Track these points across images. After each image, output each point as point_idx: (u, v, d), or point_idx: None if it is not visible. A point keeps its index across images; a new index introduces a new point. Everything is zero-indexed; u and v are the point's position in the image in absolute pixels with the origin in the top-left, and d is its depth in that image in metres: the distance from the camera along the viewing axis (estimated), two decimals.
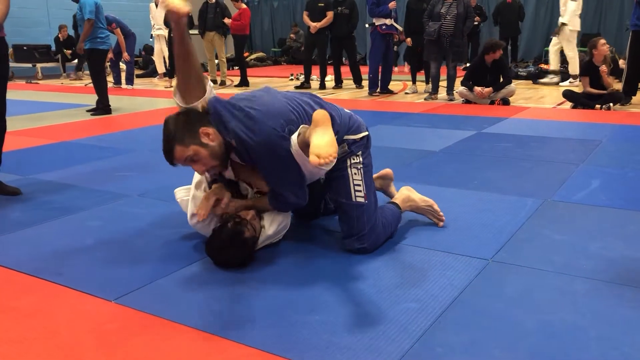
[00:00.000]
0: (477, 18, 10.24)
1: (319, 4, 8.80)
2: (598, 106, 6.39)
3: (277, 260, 2.35)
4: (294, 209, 2.58)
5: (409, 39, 8.36)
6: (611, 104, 6.38)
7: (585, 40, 11.79)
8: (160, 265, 2.32)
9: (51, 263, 2.37)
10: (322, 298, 2.00)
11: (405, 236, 2.59)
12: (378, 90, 8.31)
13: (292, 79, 10.94)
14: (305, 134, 2.09)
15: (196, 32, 9.95)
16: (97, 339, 1.77)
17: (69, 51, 12.36)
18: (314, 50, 9.23)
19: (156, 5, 10.36)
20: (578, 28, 8.97)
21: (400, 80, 9.60)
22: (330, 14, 8.73)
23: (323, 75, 9.31)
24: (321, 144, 1.96)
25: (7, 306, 2.00)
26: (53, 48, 12.50)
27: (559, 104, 7.03)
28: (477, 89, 6.87)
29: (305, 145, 2.09)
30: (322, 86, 9.25)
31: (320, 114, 2.06)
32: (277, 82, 10.67)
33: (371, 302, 1.97)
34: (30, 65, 12.09)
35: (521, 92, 8.26)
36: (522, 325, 1.80)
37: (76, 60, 12.50)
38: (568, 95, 6.76)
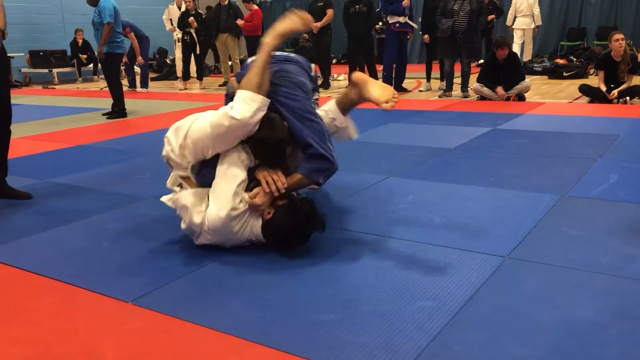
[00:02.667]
0: (491, 15, 10.14)
1: (318, 4, 8.84)
2: (616, 100, 6.31)
3: (292, 261, 2.35)
4: (328, 176, 2.56)
5: (426, 36, 8.30)
6: (628, 98, 6.30)
7: (601, 33, 11.69)
8: (176, 267, 2.33)
9: (69, 265, 2.39)
10: (337, 297, 2.00)
11: (421, 234, 2.58)
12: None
13: None
14: (352, 94, 2.77)
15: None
16: (116, 340, 1.78)
17: (85, 56, 12.48)
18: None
19: (179, 8, 10.34)
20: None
21: (414, 78, 9.56)
22: (330, 12, 8.76)
23: (327, 74, 9.30)
24: (380, 92, 2.60)
25: (26, 308, 2.02)
26: (69, 53, 12.62)
27: (575, 99, 6.96)
28: (500, 89, 6.82)
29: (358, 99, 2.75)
30: (326, 85, 9.24)
31: (357, 76, 2.69)
32: None
33: (387, 300, 1.96)
34: (46, 70, 12.22)
35: (536, 87, 8.19)
36: (541, 323, 1.78)
37: (91, 65, 12.62)
38: (585, 89, 6.69)
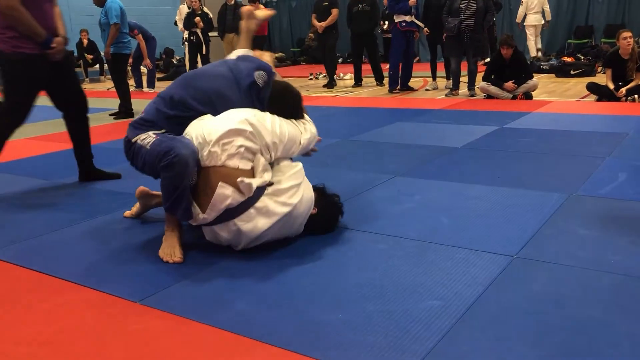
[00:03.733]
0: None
1: (324, 4, 8.85)
2: (624, 98, 6.27)
3: (299, 260, 2.35)
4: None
5: (426, 29, 8.23)
6: (636, 96, 6.26)
7: (609, 30, 11.62)
8: (184, 267, 2.33)
9: (77, 265, 2.41)
10: (344, 297, 2.00)
11: (428, 233, 2.57)
12: (398, 87, 8.27)
13: (311, 79, 10.95)
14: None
15: (216, 34, 10.02)
16: (124, 340, 1.79)
17: (91, 56, 12.52)
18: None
19: (188, 8, 10.35)
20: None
21: (420, 77, 9.54)
22: (334, 11, 8.76)
23: (332, 73, 9.31)
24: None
25: (36, 308, 2.04)
26: (75, 54, 12.67)
27: (582, 97, 6.92)
28: (509, 83, 6.80)
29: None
30: (332, 85, 9.24)
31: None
32: (297, 82, 10.69)
33: (394, 300, 1.96)
34: None
35: (544, 85, 8.16)
36: (549, 322, 1.77)
37: (98, 65, 12.66)
38: (592, 88, 6.65)
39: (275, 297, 2.03)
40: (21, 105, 3.36)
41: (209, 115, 2.54)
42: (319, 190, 2.63)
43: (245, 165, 2.37)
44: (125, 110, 6.88)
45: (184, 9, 10.70)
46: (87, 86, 11.80)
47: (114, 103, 7.20)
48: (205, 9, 10.23)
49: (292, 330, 1.79)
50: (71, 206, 3.26)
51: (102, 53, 7.28)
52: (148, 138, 2.50)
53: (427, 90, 8.39)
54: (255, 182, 2.33)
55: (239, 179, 2.29)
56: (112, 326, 1.88)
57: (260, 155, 2.43)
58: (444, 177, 3.51)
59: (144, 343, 1.77)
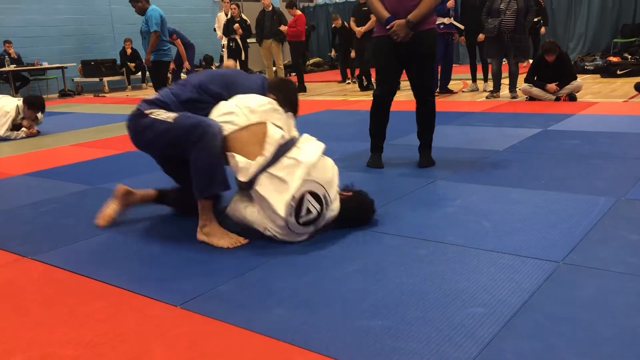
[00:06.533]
0: (537, 17, 9.88)
1: (363, 8, 8.81)
2: None
3: (338, 265, 2.33)
4: None
5: (462, 37, 8.16)
6: None
7: (624, 30, 11.28)
8: (224, 270, 2.34)
9: (119, 269, 2.44)
10: (384, 303, 1.97)
11: (470, 238, 2.52)
12: (437, 90, 8.18)
13: (348, 83, 10.94)
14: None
15: (254, 40, 10.11)
16: (165, 344, 1.80)
17: (133, 64, 12.81)
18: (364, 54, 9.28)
19: (226, 15, 10.48)
20: None
21: (459, 79, 9.41)
22: (373, 17, 8.70)
23: (369, 77, 9.38)
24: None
25: (79, 311, 2.07)
26: (118, 62, 12.98)
27: (630, 98, 6.70)
28: (552, 84, 6.63)
29: None
30: (367, 87, 9.24)
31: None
32: (334, 87, 10.70)
33: (436, 306, 1.92)
34: (97, 79, 12.61)
35: (588, 86, 7.93)
36: (599, 332, 1.70)
37: (140, 73, 12.94)
38: None
39: (314, 302, 2.01)
40: None
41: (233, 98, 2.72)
42: (349, 187, 2.82)
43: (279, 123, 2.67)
44: None
45: (222, 16, 10.83)
46: (128, 93, 12.09)
47: None
48: (244, 16, 10.34)
49: (331, 336, 1.77)
50: None
51: (144, 60, 7.43)
52: (166, 114, 2.60)
53: (463, 92, 8.27)
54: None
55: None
56: (153, 330, 1.90)
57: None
58: (486, 180, 3.43)
59: (185, 347, 1.77)
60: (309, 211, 2.48)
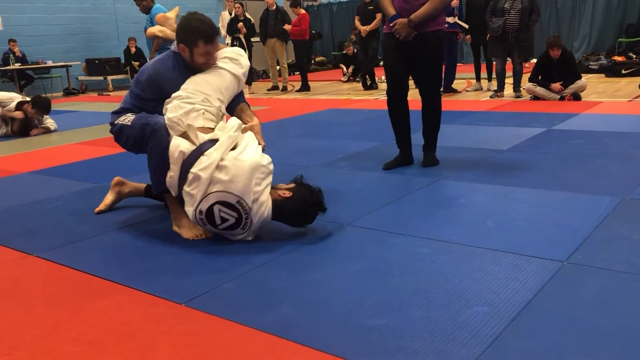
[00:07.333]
0: None
1: (369, 7, 8.82)
2: None
3: (341, 264, 2.33)
4: None
5: (468, 36, 8.15)
6: None
7: (629, 29, 11.24)
8: (228, 268, 2.35)
9: (124, 267, 2.45)
10: (388, 302, 1.97)
11: (473, 237, 2.52)
12: (442, 89, 8.17)
13: (355, 81, 10.95)
14: None
15: (258, 39, 10.12)
16: (170, 341, 1.81)
17: (137, 63, 12.82)
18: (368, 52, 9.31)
19: (230, 14, 10.48)
20: None
21: (463, 78, 9.40)
22: (379, 16, 8.73)
23: (372, 76, 9.36)
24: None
25: (84, 309, 2.08)
26: (122, 60, 13.00)
27: (635, 97, 6.68)
28: (556, 84, 6.62)
29: None
30: (371, 86, 9.25)
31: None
32: (337, 85, 10.70)
33: (440, 305, 1.92)
34: (101, 78, 12.64)
35: (593, 86, 7.91)
36: (603, 331, 1.70)
37: None
38: None
39: (318, 301, 2.02)
40: None
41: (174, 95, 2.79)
42: (297, 180, 2.69)
43: (208, 123, 2.67)
44: None
45: (226, 15, 10.82)
46: None
47: None
48: (248, 15, 10.34)
49: (335, 335, 1.77)
50: (120, 209, 3.33)
51: (148, 59, 7.44)
52: (127, 118, 2.87)
53: (467, 91, 8.26)
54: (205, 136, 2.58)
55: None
56: (157, 327, 1.90)
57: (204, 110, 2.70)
58: (490, 180, 3.43)
59: (189, 345, 1.78)
60: (224, 219, 2.50)
